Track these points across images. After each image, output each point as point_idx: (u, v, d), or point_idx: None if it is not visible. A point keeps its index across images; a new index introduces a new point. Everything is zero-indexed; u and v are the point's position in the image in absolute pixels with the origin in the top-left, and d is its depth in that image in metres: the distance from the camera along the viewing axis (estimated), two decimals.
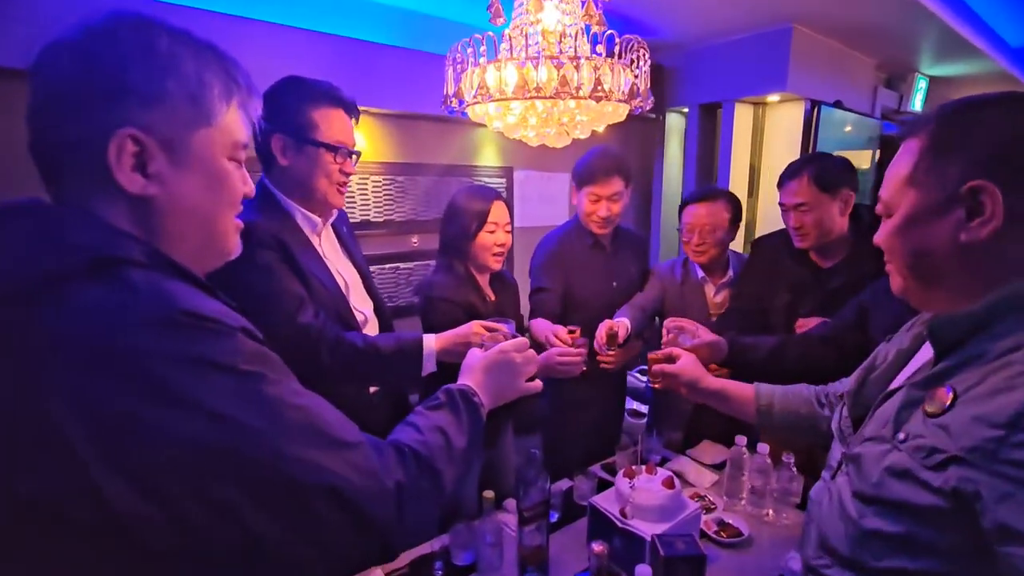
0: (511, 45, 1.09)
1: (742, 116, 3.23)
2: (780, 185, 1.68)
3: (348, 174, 1.27)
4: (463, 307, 1.63)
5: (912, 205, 0.71)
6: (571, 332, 1.64)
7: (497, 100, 1.11)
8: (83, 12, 0.58)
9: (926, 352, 0.76)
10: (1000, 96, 0.68)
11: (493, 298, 1.77)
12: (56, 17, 1.68)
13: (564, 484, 1.71)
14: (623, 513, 1.31)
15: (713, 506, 1.59)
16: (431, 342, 1.29)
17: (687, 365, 1.28)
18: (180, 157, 0.60)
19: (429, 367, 1.29)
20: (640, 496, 1.30)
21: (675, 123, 3.63)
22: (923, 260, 0.72)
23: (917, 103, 4.09)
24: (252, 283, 1.13)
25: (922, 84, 4.03)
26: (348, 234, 1.50)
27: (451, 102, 1.21)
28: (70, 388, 0.48)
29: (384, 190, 2.69)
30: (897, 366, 0.85)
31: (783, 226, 1.74)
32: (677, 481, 1.35)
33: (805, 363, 1.22)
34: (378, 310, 1.49)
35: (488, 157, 3.05)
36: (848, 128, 3.41)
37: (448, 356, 1.30)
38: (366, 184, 2.62)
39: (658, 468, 1.41)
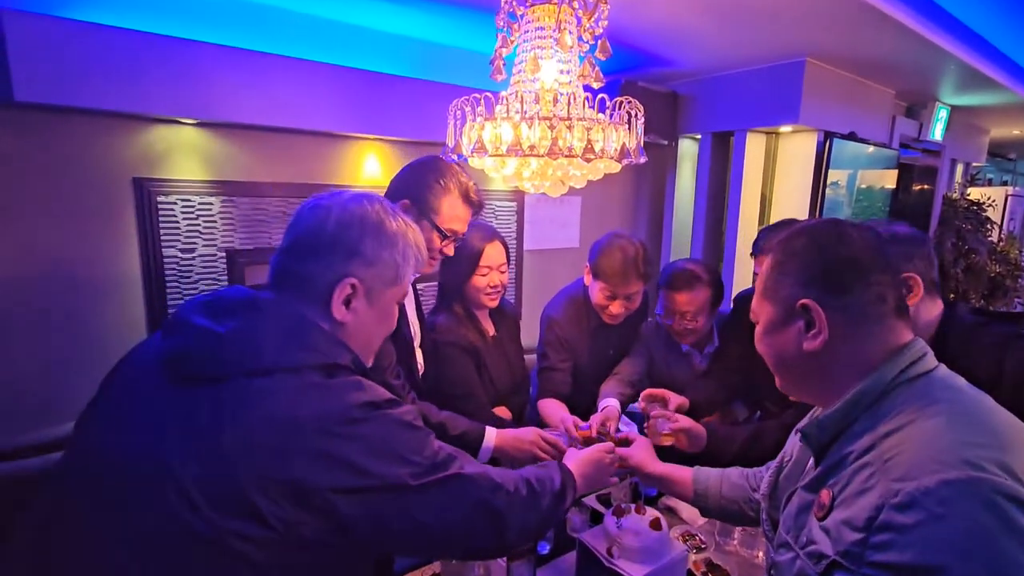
0: (507, 105, 1.15)
1: (754, 145, 3.23)
2: (753, 256, 1.71)
3: (444, 254, 1.43)
4: (465, 348, 1.69)
5: (768, 316, 0.82)
6: (584, 433, 1.65)
7: (493, 155, 1.16)
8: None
9: None
10: (813, 225, 0.81)
11: (493, 332, 1.82)
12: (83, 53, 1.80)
13: None
14: (610, 552, 1.34)
15: (704, 545, 1.59)
16: (491, 439, 1.43)
17: (639, 451, 1.39)
18: (373, 301, 0.85)
19: (483, 459, 1.42)
20: (627, 537, 1.33)
21: (688, 149, 3.65)
22: (784, 365, 0.83)
23: (937, 133, 4.03)
24: None
25: (943, 114, 3.98)
26: (415, 289, 1.64)
27: (451, 154, 1.27)
28: (314, 438, 0.69)
29: None
30: (802, 463, 0.89)
31: None
32: (665, 523, 1.37)
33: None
34: (425, 360, 1.61)
35: (499, 181, 3.10)
36: (871, 150, 3.40)
37: (501, 454, 1.45)
38: None
39: (647, 508, 1.43)
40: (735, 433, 1.57)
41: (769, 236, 1.66)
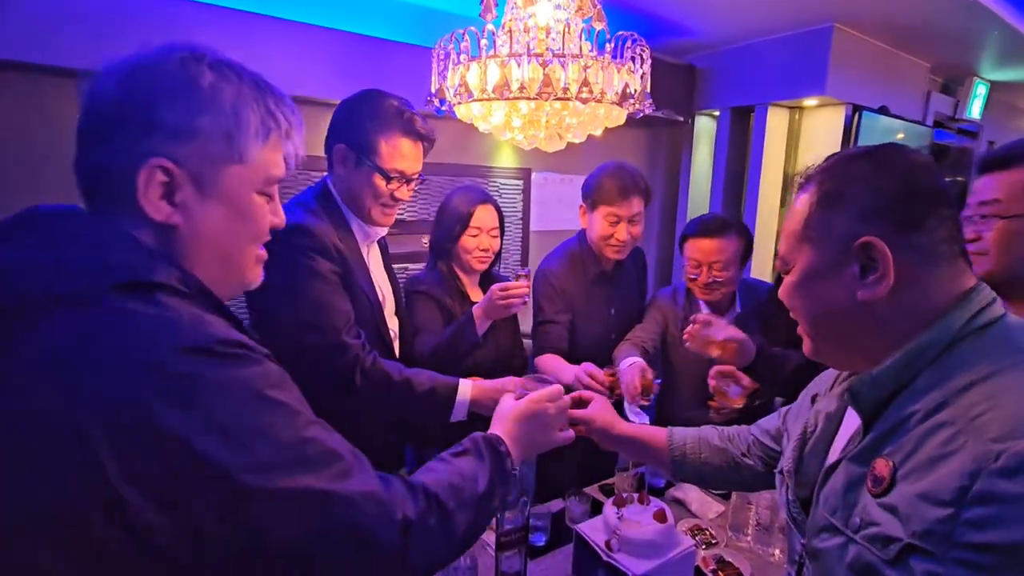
0: (495, 41, 1.02)
1: (776, 121, 3.05)
2: None
3: (398, 199, 1.27)
4: (434, 298, 1.63)
5: (807, 262, 0.69)
6: (610, 375, 1.55)
7: (478, 100, 1.03)
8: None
9: (854, 416, 0.69)
10: (873, 148, 0.67)
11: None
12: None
13: (556, 505, 1.63)
14: (608, 545, 1.22)
15: (714, 540, 1.47)
16: (466, 391, 1.28)
17: (599, 410, 1.18)
18: (208, 190, 0.61)
19: (459, 415, 1.28)
20: (628, 528, 1.21)
21: (705, 127, 3.47)
22: (825, 319, 0.69)
23: (975, 111, 3.79)
24: (309, 290, 1.18)
25: (981, 90, 3.73)
26: (385, 248, 1.52)
27: (434, 101, 1.14)
28: (101, 397, 0.48)
29: None
30: (830, 433, 0.77)
31: None
32: (671, 514, 1.25)
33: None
34: (403, 328, 1.51)
35: (505, 158, 2.98)
36: (901, 136, 3.18)
37: (480, 408, 1.29)
38: None
39: (651, 498, 1.31)
40: (789, 355, 1.44)
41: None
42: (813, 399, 0.87)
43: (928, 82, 3.48)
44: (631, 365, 1.61)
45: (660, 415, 1.95)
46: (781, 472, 0.84)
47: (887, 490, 0.58)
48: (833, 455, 0.72)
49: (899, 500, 0.56)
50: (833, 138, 2.97)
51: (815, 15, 2.56)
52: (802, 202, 0.69)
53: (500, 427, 0.90)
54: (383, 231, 1.38)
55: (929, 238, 0.62)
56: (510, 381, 1.26)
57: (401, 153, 1.21)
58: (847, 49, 2.74)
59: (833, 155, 0.70)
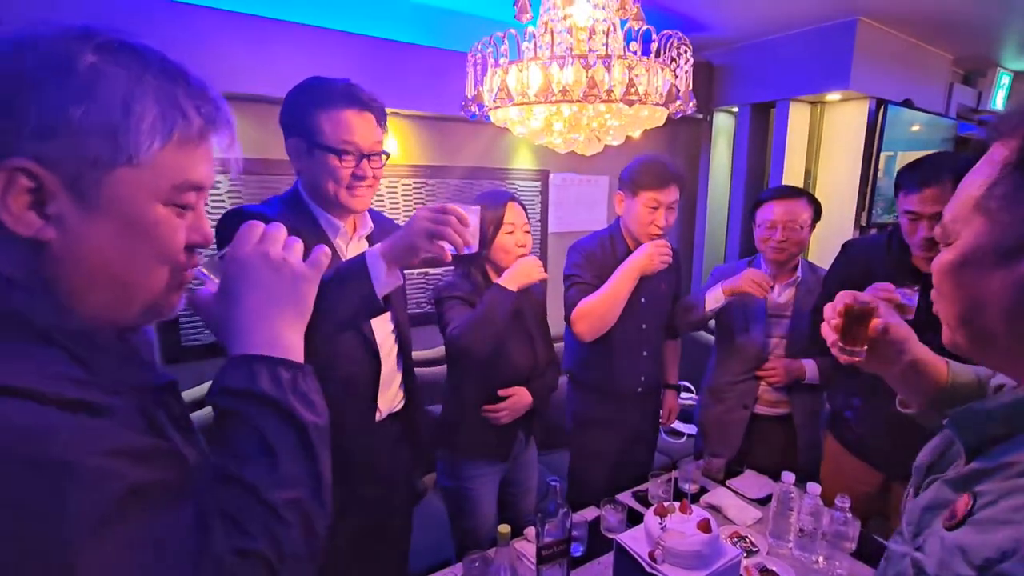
0: (536, 43, 0.99)
1: (798, 116, 3.00)
2: (910, 189, 1.44)
3: (360, 176, 1.18)
4: (467, 301, 1.61)
5: (976, 238, 0.52)
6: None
7: (519, 104, 1.01)
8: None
9: None
10: None
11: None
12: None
13: (591, 513, 1.60)
14: (652, 556, 1.19)
15: (755, 548, 1.44)
16: (375, 250, 1.05)
17: (897, 320, 0.86)
18: (91, 200, 0.49)
19: (383, 280, 1.03)
20: (672, 539, 1.18)
21: (723, 124, 3.42)
22: (977, 314, 0.54)
23: (998, 101, 3.71)
24: None
25: (1004, 80, 3.66)
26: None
27: (470, 106, 1.11)
28: None
29: (414, 193, 2.63)
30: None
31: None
32: (715, 524, 1.22)
33: None
34: (399, 335, 1.39)
35: (523, 159, 2.95)
36: (916, 128, 3.11)
37: (400, 258, 1.04)
38: (395, 187, 2.57)
39: (693, 507, 1.28)
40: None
41: (921, 168, 1.42)
42: (998, 390, 0.74)
43: (951, 74, 3.42)
44: (745, 271, 1.73)
45: (711, 383, 2.03)
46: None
47: (953, 527, 0.51)
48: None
49: (952, 543, 0.50)
50: (857, 133, 2.92)
51: (839, 8, 2.52)
52: (992, 160, 0.52)
53: (236, 346, 0.60)
54: (364, 224, 1.31)
55: None
56: (419, 210, 1.03)
57: (344, 123, 1.14)
58: (871, 43, 2.69)
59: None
